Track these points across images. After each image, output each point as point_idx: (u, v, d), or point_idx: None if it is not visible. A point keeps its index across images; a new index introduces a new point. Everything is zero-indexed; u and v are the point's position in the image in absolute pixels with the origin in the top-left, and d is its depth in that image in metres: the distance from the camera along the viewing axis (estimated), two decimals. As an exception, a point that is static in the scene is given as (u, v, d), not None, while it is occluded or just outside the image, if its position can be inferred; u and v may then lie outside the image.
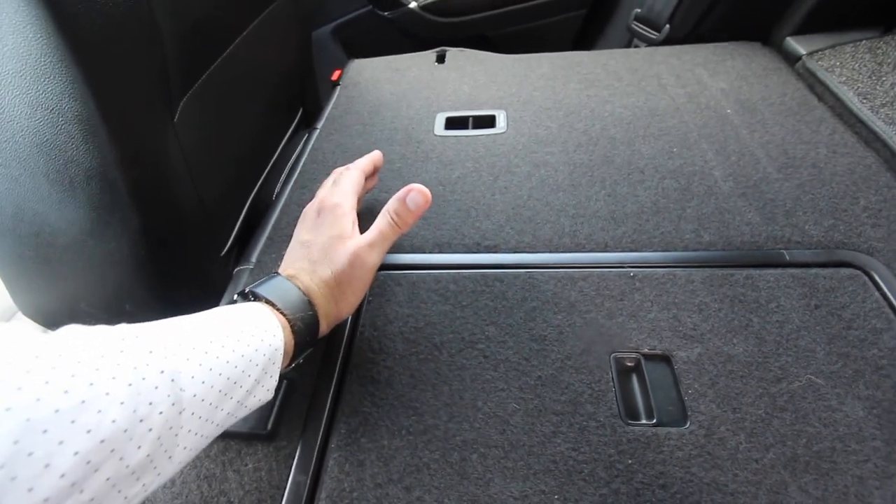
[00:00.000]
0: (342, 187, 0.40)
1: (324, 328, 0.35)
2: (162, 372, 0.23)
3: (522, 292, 0.42)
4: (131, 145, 0.40)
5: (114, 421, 0.20)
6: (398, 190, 0.56)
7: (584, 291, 0.42)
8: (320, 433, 0.35)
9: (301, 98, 0.82)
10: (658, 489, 0.30)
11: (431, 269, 0.45)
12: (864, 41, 0.69)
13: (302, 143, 0.66)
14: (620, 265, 0.43)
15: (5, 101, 0.33)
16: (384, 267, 0.46)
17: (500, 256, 0.46)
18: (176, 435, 0.23)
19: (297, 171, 0.60)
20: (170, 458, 0.23)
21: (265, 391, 0.29)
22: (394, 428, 0.35)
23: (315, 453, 0.34)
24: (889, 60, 0.65)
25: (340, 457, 0.34)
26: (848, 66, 0.65)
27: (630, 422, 0.34)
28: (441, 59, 0.80)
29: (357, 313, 0.42)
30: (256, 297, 0.32)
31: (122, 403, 0.20)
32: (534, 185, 0.53)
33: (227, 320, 0.28)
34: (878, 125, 0.56)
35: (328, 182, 0.42)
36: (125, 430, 0.20)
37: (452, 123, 0.64)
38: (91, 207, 0.41)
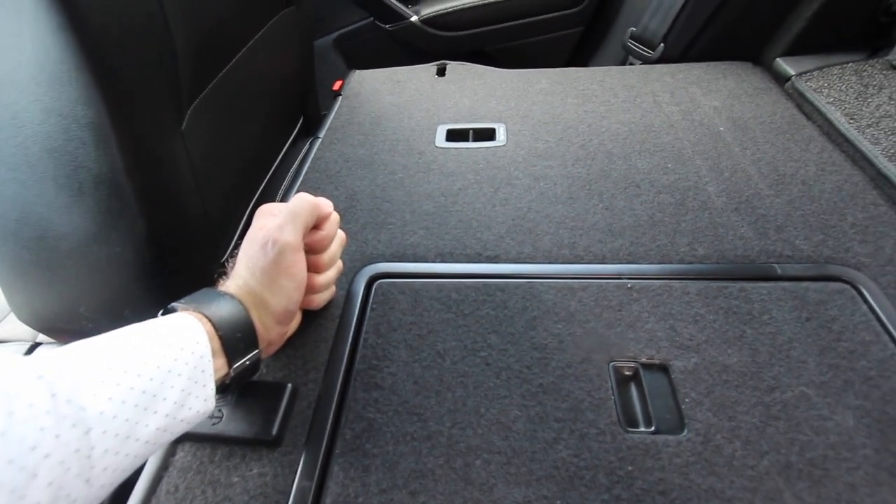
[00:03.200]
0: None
1: (268, 323, 0.33)
2: (53, 395, 0.21)
3: (523, 302, 0.43)
4: (141, 152, 0.40)
5: None
6: (400, 200, 0.57)
7: (583, 301, 0.43)
8: (325, 439, 0.35)
9: (302, 107, 0.83)
10: (658, 495, 0.31)
11: (434, 277, 0.46)
12: (850, 63, 0.72)
13: (304, 152, 0.66)
14: (618, 276, 0.45)
15: (20, 106, 0.34)
16: (387, 275, 0.47)
17: (500, 266, 0.47)
18: (88, 457, 0.22)
19: (300, 180, 0.60)
20: (87, 480, 0.22)
21: (201, 401, 0.28)
22: (398, 434, 0.35)
23: (320, 459, 0.34)
24: (874, 83, 0.67)
25: (345, 462, 0.34)
26: (835, 87, 0.68)
27: (629, 429, 0.34)
28: (441, 72, 0.82)
29: (360, 320, 0.43)
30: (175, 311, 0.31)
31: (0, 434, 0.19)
32: (533, 198, 0.54)
33: (141, 333, 0.27)
34: (865, 145, 0.58)
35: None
36: (10, 461, 0.19)
37: (453, 136, 0.65)
38: (98, 212, 0.41)
